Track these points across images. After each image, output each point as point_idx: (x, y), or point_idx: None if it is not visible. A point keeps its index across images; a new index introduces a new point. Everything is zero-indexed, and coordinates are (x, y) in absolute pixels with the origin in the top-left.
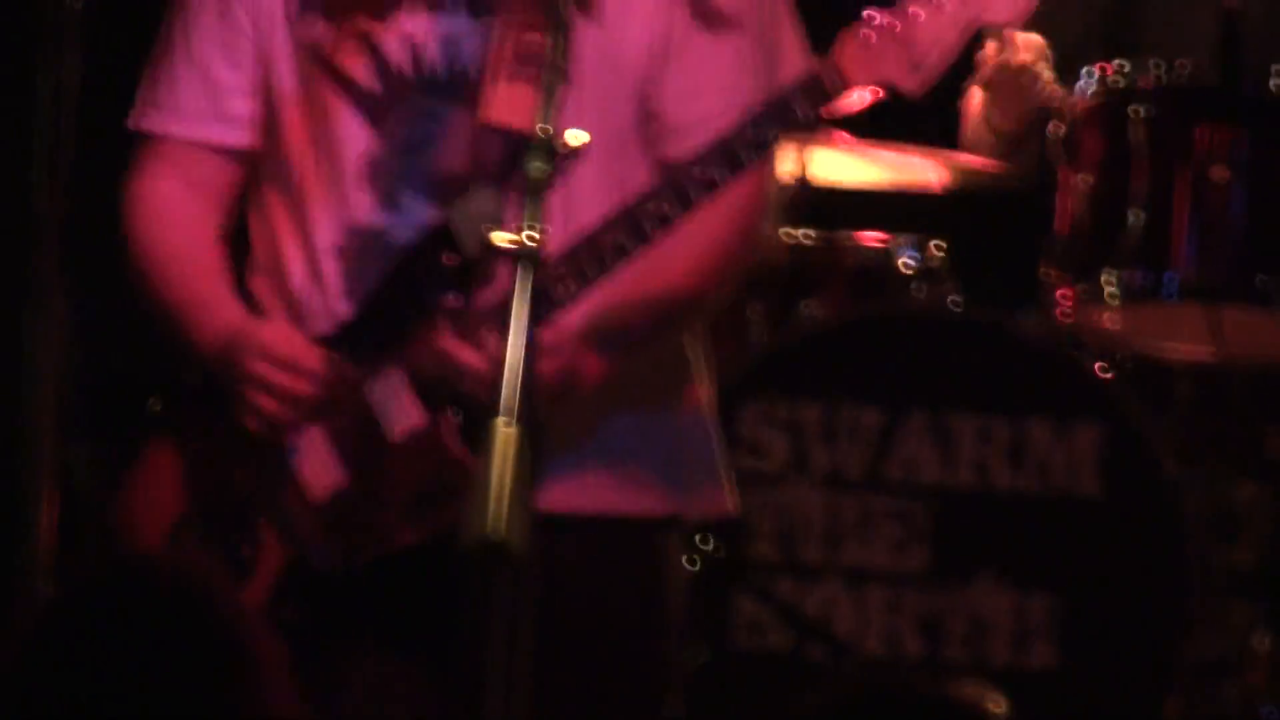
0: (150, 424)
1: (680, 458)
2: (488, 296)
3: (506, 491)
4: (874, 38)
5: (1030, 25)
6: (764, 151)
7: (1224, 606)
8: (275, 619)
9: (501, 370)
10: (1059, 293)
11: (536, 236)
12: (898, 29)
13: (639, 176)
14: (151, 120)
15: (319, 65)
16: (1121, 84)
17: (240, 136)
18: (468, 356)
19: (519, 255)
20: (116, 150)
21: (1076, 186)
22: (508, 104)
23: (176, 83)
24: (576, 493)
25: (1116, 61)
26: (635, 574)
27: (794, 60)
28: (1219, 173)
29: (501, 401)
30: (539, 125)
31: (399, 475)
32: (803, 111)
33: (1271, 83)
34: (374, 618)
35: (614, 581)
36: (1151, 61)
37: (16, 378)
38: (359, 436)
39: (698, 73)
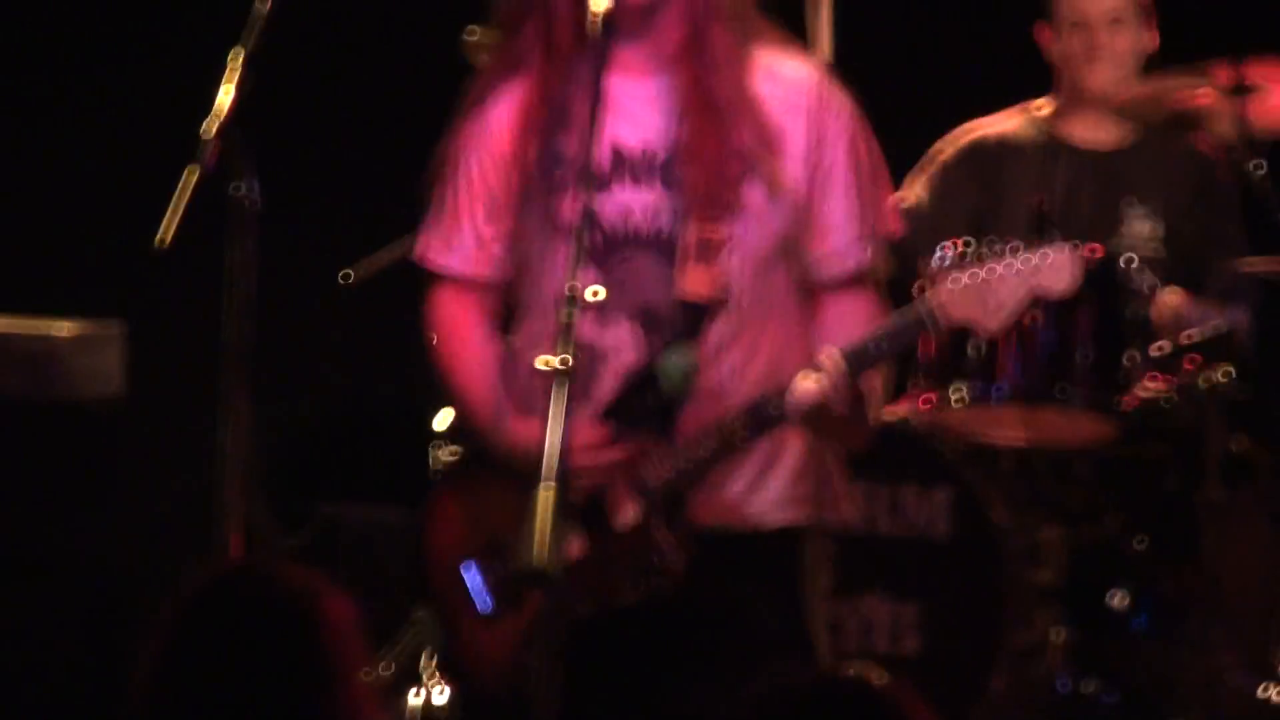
0: (442, 480)
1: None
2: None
3: (547, 534)
4: (964, 281)
5: (920, 222)
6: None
7: (1032, 611)
8: (518, 660)
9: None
10: (922, 397)
11: (569, 361)
12: (979, 279)
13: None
14: (436, 256)
15: (554, 223)
16: (967, 254)
17: (496, 272)
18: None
19: (558, 373)
20: (288, 288)
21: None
22: (695, 281)
23: (452, 230)
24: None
25: (963, 239)
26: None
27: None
28: (1032, 315)
29: (543, 470)
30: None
31: (618, 553)
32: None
33: None
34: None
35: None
36: (988, 239)
37: (212, 457)
38: (595, 521)
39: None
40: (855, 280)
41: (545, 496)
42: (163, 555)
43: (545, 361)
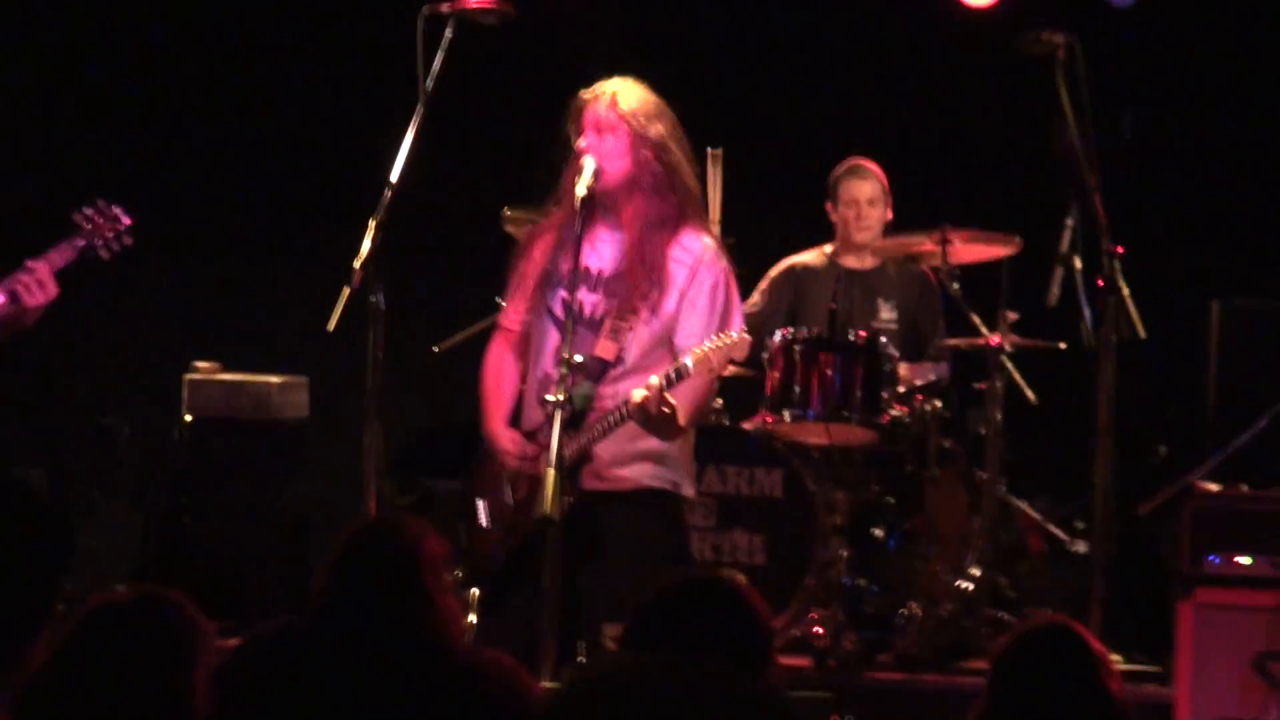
0: (476, 459)
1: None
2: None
3: (551, 497)
4: (705, 348)
5: (758, 318)
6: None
7: (830, 539)
8: (499, 552)
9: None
10: (768, 416)
11: (561, 399)
12: (709, 349)
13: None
14: (500, 317)
15: (544, 305)
16: (790, 337)
17: (524, 328)
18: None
19: (559, 405)
20: (401, 354)
21: (774, 378)
22: (603, 349)
23: (511, 303)
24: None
25: (789, 328)
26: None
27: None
28: (830, 368)
29: (552, 459)
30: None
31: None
32: None
33: (849, 334)
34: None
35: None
36: (804, 326)
37: (359, 452)
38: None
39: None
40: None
41: (551, 474)
42: (333, 510)
43: (554, 396)
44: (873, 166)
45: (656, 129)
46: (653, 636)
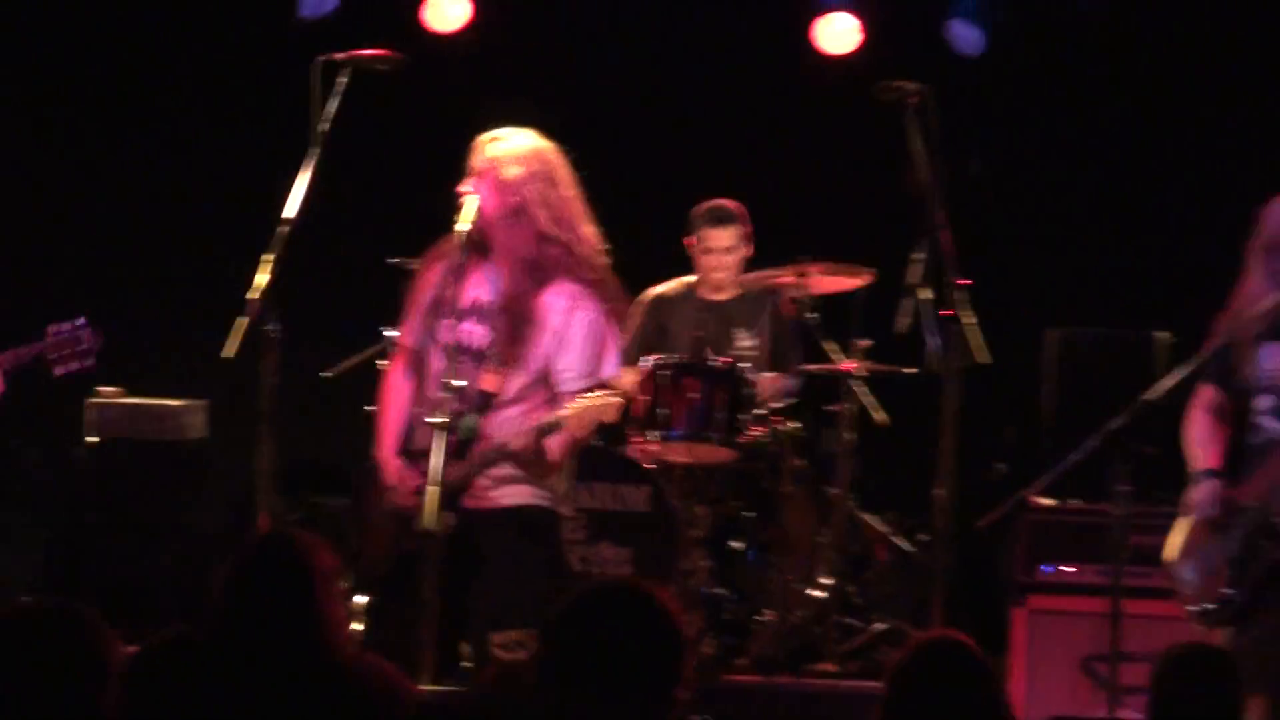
0: (362, 479)
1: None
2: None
3: (432, 512)
4: (578, 404)
5: (632, 344)
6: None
7: (691, 551)
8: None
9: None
10: (635, 438)
11: (442, 421)
12: (583, 405)
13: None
14: (399, 336)
15: (433, 330)
16: (657, 363)
17: (419, 349)
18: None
19: (447, 427)
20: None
21: (641, 401)
22: (486, 382)
23: (408, 323)
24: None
25: (656, 355)
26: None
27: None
28: (693, 392)
29: (430, 478)
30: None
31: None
32: None
33: (712, 361)
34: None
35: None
36: (670, 353)
37: (253, 471)
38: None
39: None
40: (573, 395)
41: (433, 490)
42: (228, 524)
43: (435, 419)
44: (734, 209)
45: (531, 176)
46: (568, 643)
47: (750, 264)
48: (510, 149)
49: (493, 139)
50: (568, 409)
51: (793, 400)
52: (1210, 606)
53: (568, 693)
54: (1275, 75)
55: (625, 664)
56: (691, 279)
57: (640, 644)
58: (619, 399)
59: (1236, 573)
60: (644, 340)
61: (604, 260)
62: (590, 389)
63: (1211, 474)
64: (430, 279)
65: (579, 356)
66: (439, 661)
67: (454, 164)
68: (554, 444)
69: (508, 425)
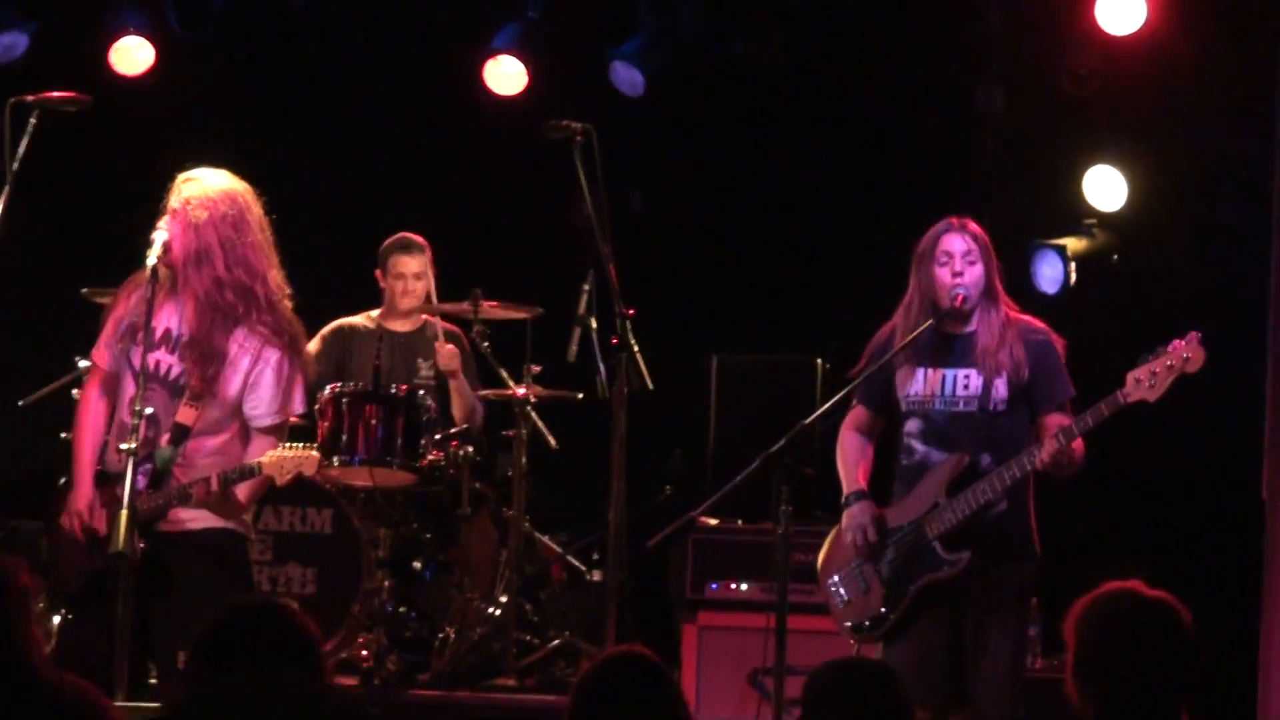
0: (57, 493)
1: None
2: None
3: (124, 535)
4: (284, 454)
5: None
6: None
7: (375, 570)
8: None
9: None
10: (321, 462)
11: (133, 447)
12: (287, 457)
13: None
14: (94, 355)
15: (125, 355)
16: (339, 390)
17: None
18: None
19: (132, 453)
20: None
21: (324, 427)
22: (183, 415)
23: (104, 343)
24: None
25: (338, 383)
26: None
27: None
28: (374, 418)
29: (126, 500)
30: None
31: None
32: None
33: (392, 388)
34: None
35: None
36: (352, 381)
37: None
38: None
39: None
40: (265, 429)
41: (124, 514)
42: None
43: (127, 445)
44: (421, 241)
45: (220, 219)
46: (217, 657)
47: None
48: (201, 190)
49: (188, 179)
50: (264, 457)
51: (477, 426)
52: (864, 623)
53: (217, 708)
54: (925, 112)
55: (270, 673)
56: (377, 312)
57: (281, 657)
58: (317, 454)
59: (891, 591)
60: (329, 368)
61: (288, 304)
62: (281, 425)
63: (861, 495)
64: (130, 301)
65: (268, 397)
66: (131, 679)
67: (144, 201)
68: (244, 489)
69: (204, 459)
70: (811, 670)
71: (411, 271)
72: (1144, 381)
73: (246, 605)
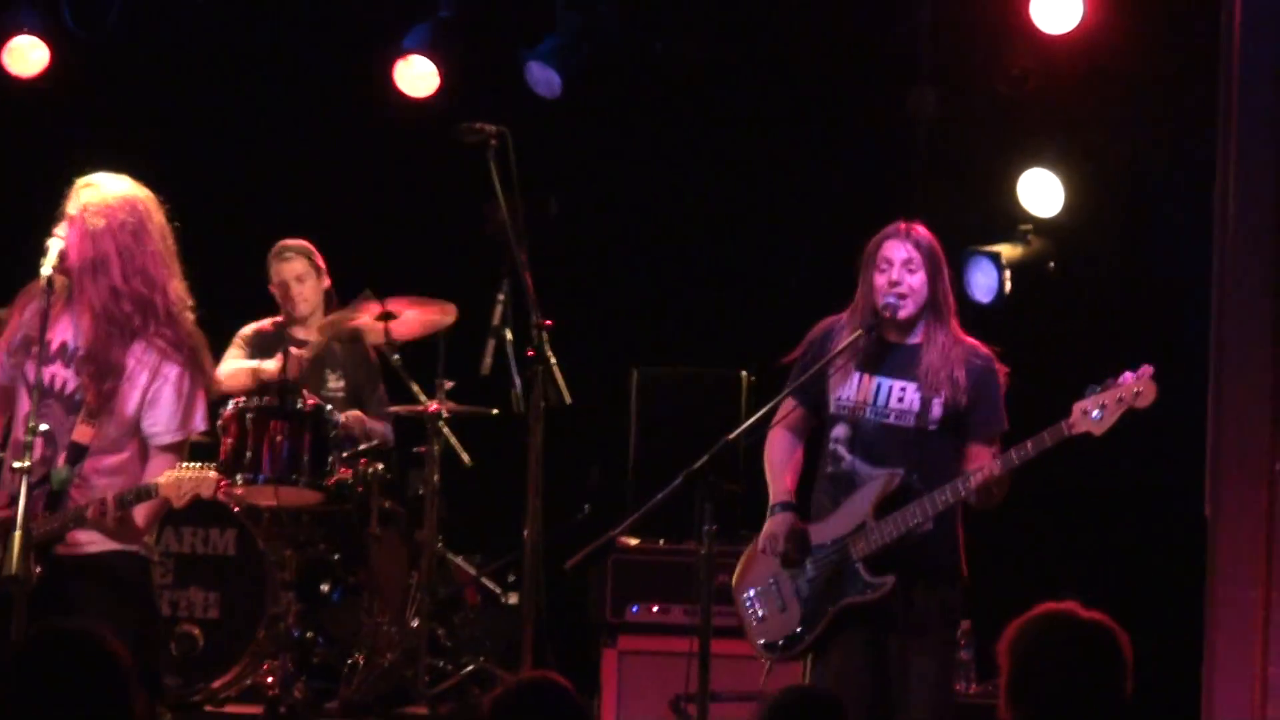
0: None
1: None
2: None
3: (17, 558)
4: (188, 475)
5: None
6: None
7: (279, 594)
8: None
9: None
10: (223, 482)
11: (27, 465)
12: (194, 479)
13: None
14: None
15: (20, 369)
16: (243, 405)
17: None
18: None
19: (26, 472)
20: None
21: (227, 444)
22: (80, 434)
23: None
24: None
25: (241, 397)
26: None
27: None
28: (279, 435)
29: (19, 523)
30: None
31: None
32: None
33: (298, 403)
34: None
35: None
36: (256, 395)
37: None
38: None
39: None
40: (165, 447)
41: (18, 536)
42: None
43: (21, 464)
44: (299, 244)
45: (118, 227)
46: (19, 690)
47: (333, 305)
48: (99, 197)
49: (86, 185)
50: (162, 478)
51: (388, 445)
52: (778, 641)
53: None
54: (853, 114)
55: (74, 705)
56: (280, 318)
57: (82, 688)
58: (215, 474)
59: (808, 610)
60: (241, 372)
61: (190, 316)
62: (181, 443)
63: (786, 507)
64: (25, 313)
65: (168, 413)
66: None
67: (40, 207)
68: (141, 512)
69: (101, 478)
70: (739, 695)
71: (292, 275)
72: (1090, 413)
73: (54, 632)
